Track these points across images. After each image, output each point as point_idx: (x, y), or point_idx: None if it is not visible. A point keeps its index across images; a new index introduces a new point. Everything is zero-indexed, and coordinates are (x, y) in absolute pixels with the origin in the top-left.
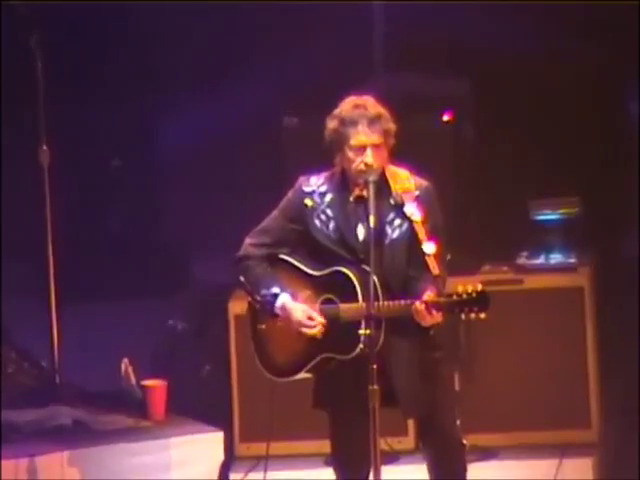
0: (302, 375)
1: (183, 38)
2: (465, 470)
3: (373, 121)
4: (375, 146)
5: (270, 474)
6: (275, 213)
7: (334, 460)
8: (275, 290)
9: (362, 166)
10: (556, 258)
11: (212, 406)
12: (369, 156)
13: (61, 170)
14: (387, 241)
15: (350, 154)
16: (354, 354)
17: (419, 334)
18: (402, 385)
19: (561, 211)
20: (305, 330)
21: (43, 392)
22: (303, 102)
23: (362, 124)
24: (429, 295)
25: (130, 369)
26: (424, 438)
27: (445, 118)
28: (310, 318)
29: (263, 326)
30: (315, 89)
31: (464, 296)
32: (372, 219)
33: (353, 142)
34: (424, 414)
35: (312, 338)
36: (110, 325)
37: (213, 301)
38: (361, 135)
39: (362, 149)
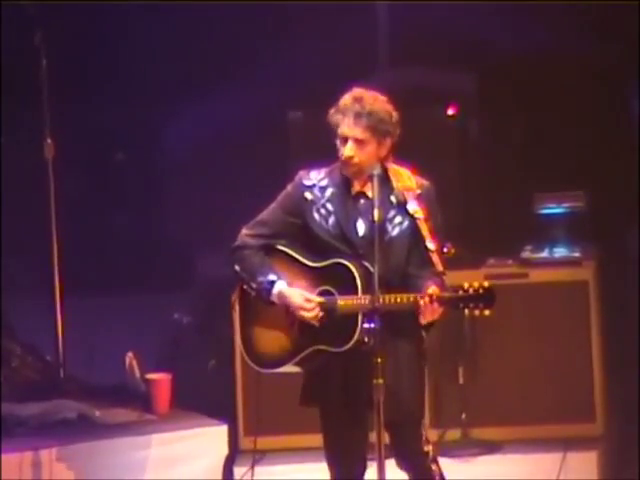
0: (289, 367)
1: (186, 34)
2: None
3: (359, 116)
4: (358, 141)
5: (274, 468)
6: (274, 206)
7: (327, 457)
8: (272, 277)
9: (342, 157)
10: (560, 252)
11: (217, 400)
12: (348, 148)
13: (65, 164)
14: (386, 238)
15: (337, 142)
16: (347, 347)
17: (410, 340)
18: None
19: (566, 205)
20: (304, 314)
21: (48, 386)
22: (308, 96)
23: (348, 116)
24: (434, 290)
25: (134, 363)
26: (395, 447)
27: (450, 112)
28: (307, 300)
29: (254, 316)
30: (320, 83)
31: (470, 292)
32: (376, 212)
33: (338, 131)
34: (398, 422)
35: (305, 329)
36: (114, 319)
37: (218, 295)
38: (344, 126)
39: (344, 140)
